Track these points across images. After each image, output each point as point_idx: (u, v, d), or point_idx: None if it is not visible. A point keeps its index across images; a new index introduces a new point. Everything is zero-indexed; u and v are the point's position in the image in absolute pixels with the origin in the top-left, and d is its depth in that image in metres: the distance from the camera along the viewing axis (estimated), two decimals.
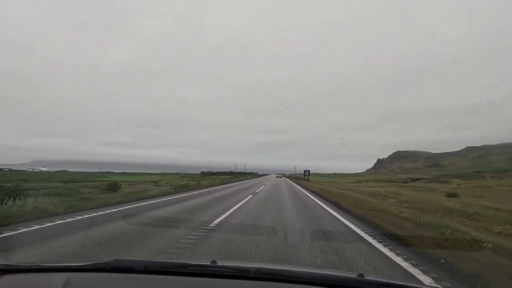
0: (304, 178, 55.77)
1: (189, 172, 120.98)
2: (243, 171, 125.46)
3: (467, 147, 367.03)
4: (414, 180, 78.19)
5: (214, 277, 1.61)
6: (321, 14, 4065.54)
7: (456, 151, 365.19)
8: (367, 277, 1.60)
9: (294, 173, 73.64)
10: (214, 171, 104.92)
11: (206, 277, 1.62)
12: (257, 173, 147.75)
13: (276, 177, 68.37)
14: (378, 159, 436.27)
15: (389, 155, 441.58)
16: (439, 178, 72.66)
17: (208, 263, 1.72)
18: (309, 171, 56.48)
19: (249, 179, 55.71)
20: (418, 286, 1.85)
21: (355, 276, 1.61)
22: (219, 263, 1.72)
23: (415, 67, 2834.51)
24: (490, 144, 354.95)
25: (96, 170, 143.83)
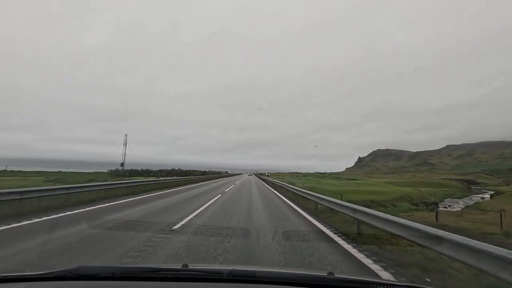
0: None
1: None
2: (217, 170, 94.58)
3: (447, 146, 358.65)
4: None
5: (186, 281, 1.53)
6: (301, 17, 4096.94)
7: (436, 150, 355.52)
8: (337, 275, 1.57)
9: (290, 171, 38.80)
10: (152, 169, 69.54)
11: (178, 281, 1.53)
12: (226, 172, 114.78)
13: (248, 175, 66.33)
14: (359, 157, 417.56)
15: (369, 154, 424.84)
16: None
17: (179, 267, 1.62)
18: None
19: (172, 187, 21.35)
20: (386, 282, 1.72)
21: (325, 275, 1.59)
22: (190, 266, 1.65)
23: (386, 72, 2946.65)
24: (470, 142, 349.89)
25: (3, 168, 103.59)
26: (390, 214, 5.99)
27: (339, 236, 6.20)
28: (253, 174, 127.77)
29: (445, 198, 41.69)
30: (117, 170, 58.48)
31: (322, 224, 7.78)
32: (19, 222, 6.52)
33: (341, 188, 30.04)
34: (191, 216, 8.14)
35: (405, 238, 4.79)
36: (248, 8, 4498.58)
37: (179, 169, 75.27)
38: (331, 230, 6.83)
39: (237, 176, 73.10)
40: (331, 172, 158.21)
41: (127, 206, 10.00)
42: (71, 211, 8.38)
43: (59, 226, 6.34)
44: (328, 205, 9.51)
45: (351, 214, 7.12)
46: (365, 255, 4.78)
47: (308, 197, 12.59)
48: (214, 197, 14.03)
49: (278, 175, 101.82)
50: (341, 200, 10.44)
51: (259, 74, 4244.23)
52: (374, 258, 4.63)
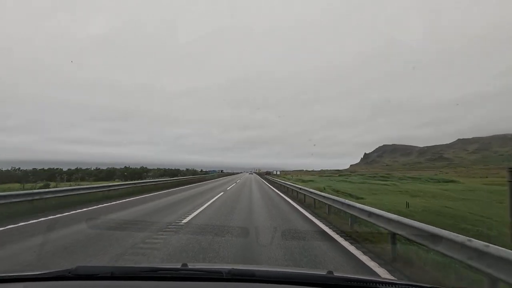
0: None
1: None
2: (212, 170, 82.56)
3: (459, 139, 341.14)
4: None
5: (185, 280, 1.52)
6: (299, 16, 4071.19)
7: (447, 144, 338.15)
8: (336, 274, 1.57)
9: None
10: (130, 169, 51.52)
11: (177, 280, 1.52)
12: (221, 171, 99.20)
13: (249, 174, 75.25)
14: (365, 153, 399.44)
15: (375, 149, 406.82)
16: None
17: (179, 266, 1.62)
18: None
19: None
20: (386, 280, 1.68)
21: (324, 273, 1.58)
22: (190, 266, 1.64)
23: (387, 71, 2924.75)
24: (482, 136, 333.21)
25: None
26: None
27: None
28: (254, 173, 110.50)
29: None
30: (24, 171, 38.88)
31: None
32: None
33: (493, 211, 11.98)
34: None
35: None
36: (248, 7, 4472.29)
37: (144, 167, 57.38)
38: None
39: (233, 177, 55.22)
40: (346, 170, 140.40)
41: None
42: None
43: None
44: None
45: None
46: None
47: None
48: None
49: (291, 174, 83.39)
50: None
51: (260, 73, 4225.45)
52: None
